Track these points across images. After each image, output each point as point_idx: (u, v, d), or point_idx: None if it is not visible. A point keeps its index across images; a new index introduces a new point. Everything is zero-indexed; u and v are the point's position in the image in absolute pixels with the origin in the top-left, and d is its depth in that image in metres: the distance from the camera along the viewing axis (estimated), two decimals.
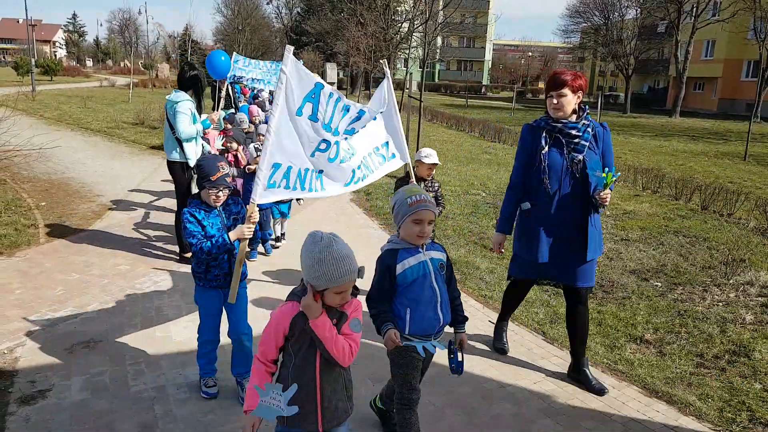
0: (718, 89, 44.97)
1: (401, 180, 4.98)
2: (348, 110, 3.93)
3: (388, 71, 4.61)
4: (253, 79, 10.10)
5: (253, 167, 6.26)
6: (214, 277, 3.61)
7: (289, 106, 3.59)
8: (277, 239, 6.98)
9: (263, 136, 7.10)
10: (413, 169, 4.87)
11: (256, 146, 6.61)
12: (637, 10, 44.62)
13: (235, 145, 6.77)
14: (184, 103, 5.94)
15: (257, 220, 3.61)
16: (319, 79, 3.77)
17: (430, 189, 5.02)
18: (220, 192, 3.53)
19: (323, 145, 3.80)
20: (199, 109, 6.46)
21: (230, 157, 6.69)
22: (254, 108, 9.99)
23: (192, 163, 6.01)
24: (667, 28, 45.90)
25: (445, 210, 5.35)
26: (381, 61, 4.79)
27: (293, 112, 3.62)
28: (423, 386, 3.91)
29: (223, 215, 3.60)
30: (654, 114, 40.83)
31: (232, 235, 3.52)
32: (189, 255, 6.15)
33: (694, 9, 36.87)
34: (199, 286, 3.67)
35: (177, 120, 5.89)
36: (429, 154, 5.01)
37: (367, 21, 21.17)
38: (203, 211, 3.53)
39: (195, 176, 6.00)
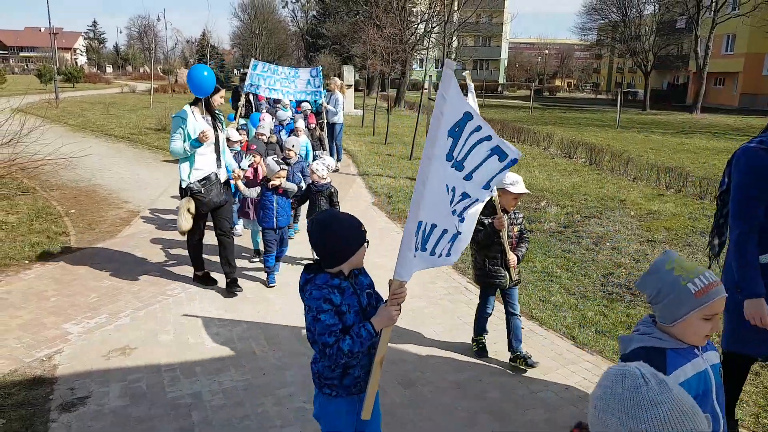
0: (739, 84, 44.32)
1: (482, 214, 3.93)
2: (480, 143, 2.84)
3: (471, 84, 3.76)
4: (270, 89, 9.71)
5: (276, 182, 5.80)
6: (354, 380, 2.55)
7: (442, 144, 2.58)
8: None
9: (291, 150, 6.91)
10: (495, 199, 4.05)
11: (274, 158, 6.05)
12: (655, 6, 44.15)
13: (258, 158, 6.50)
14: (175, 119, 5.47)
15: (405, 296, 2.57)
16: (469, 106, 2.74)
17: (515, 222, 4.35)
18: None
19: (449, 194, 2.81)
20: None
21: (250, 172, 6.45)
22: (267, 116, 9.21)
23: (184, 184, 5.50)
24: (686, 23, 45.32)
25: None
26: (464, 73, 3.57)
27: (443, 155, 2.61)
28: (453, 390, 3.96)
29: (356, 290, 2.54)
30: (674, 111, 40.31)
31: (377, 323, 2.45)
32: (201, 273, 5.93)
33: (714, 3, 36.35)
34: (325, 396, 2.58)
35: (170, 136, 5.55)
36: (515, 181, 4.15)
37: (384, 23, 21.20)
38: (336, 290, 2.44)
39: (185, 203, 5.40)
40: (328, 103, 12.04)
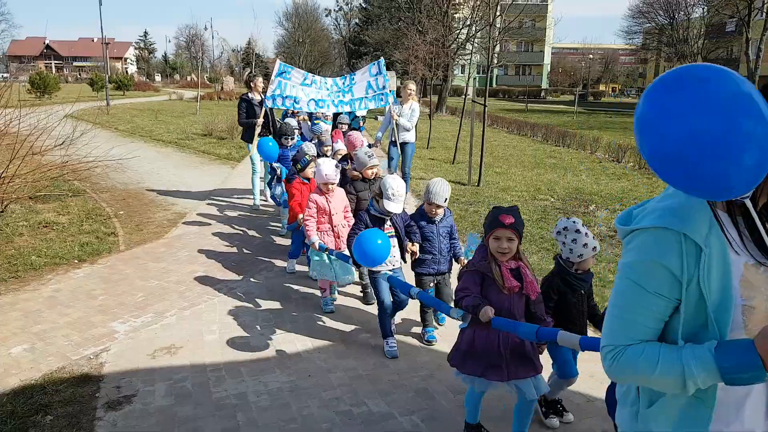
0: None
1: None
2: None
3: None
4: (315, 101, 7.72)
5: None
6: None
7: None
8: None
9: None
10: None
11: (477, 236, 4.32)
12: (704, 9, 42.83)
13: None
14: None
15: None
16: None
17: None
18: None
19: None
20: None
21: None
22: (356, 135, 6.56)
23: None
24: (736, 25, 43.82)
25: None
26: None
27: None
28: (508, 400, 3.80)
29: None
30: None
31: None
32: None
33: (766, 5, 35.07)
34: None
35: None
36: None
37: (427, 28, 21.12)
38: None
39: None
40: (400, 115, 8.93)
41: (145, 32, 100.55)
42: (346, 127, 8.58)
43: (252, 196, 9.17)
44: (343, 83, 7.96)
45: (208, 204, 9.42)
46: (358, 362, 4.28)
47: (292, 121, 8.37)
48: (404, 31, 24.79)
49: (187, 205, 9.32)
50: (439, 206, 4.26)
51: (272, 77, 7.83)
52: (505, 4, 13.80)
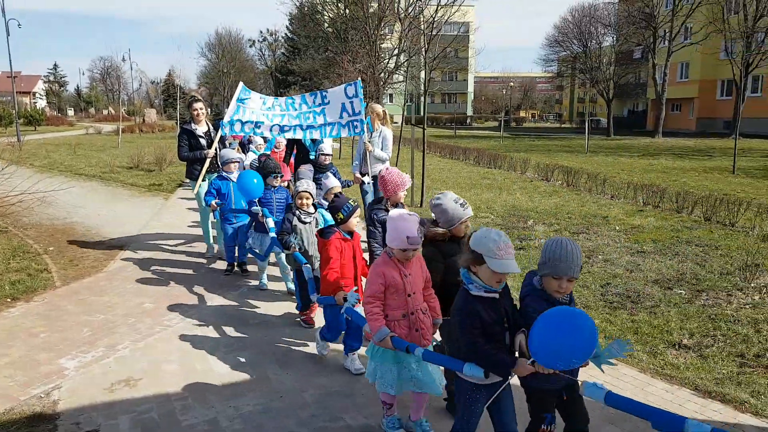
0: (695, 109, 46.10)
1: None
2: None
3: None
4: (279, 126, 6.84)
5: None
6: None
7: None
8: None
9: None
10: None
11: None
12: (613, 37, 45.87)
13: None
14: None
15: None
16: None
17: None
18: None
19: None
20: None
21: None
22: (396, 173, 4.81)
23: None
24: (643, 52, 47.22)
25: None
26: None
27: None
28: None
29: None
30: (636, 136, 41.68)
31: None
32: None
33: (668, 33, 38.10)
34: None
35: None
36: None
37: (359, 57, 21.51)
38: None
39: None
40: (369, 140, 7.33)
41: (55, 65, 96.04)
42: (329, 159, 7.22)
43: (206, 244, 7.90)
44: (314, 101, 6.92)
45: (145, 235, 9.09)
46: (329, 379, 4.25)
47: (230, 153, 7.22)
48: (335, 60, 25.07)
49: (122, 237, 8.96)
50: (572, 280, 2.79)
51: (233, 101, 6.97)
52: (432, 34, 14.26)
